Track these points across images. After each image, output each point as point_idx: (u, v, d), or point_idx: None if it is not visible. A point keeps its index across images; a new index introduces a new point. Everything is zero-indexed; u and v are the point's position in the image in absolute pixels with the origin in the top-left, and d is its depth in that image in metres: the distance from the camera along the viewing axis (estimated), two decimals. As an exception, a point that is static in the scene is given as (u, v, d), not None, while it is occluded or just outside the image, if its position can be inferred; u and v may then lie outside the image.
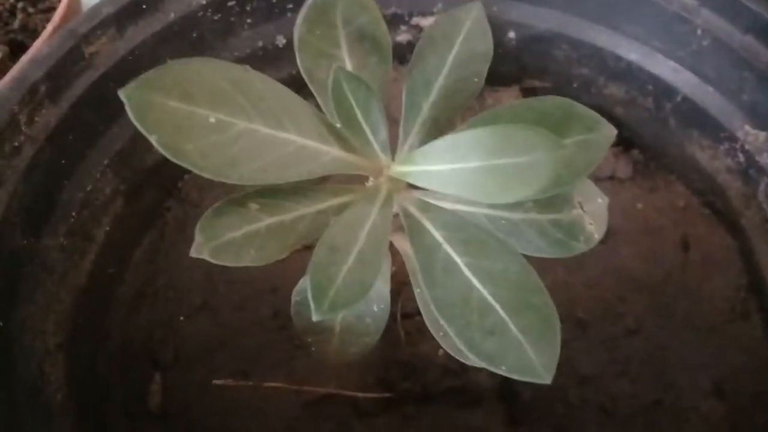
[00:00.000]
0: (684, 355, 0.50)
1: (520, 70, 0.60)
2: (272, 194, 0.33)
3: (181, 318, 0.52)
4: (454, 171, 0.31)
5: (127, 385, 0.50)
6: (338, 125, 0.33)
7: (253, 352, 0.50)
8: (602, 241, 0.53)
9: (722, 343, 0.50)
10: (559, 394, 0.49)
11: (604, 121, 0.33)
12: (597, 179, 0.56)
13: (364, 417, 0.48)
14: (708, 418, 0.47)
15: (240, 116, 0.30)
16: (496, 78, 0.60)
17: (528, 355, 0.30)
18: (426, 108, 0.35)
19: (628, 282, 0.53)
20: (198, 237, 0.31)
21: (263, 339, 0.51)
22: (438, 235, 0.33)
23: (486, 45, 0.36)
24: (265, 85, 0.31)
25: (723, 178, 0.53)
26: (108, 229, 0.52)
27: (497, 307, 0.31)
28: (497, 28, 0.58)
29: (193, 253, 0.31)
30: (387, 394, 0.48)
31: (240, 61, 0.55)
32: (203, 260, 0.31)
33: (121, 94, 0.29)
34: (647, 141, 0.58)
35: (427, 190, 0.34)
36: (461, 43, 0.35)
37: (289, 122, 0.32)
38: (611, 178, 0.56)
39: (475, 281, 0.32)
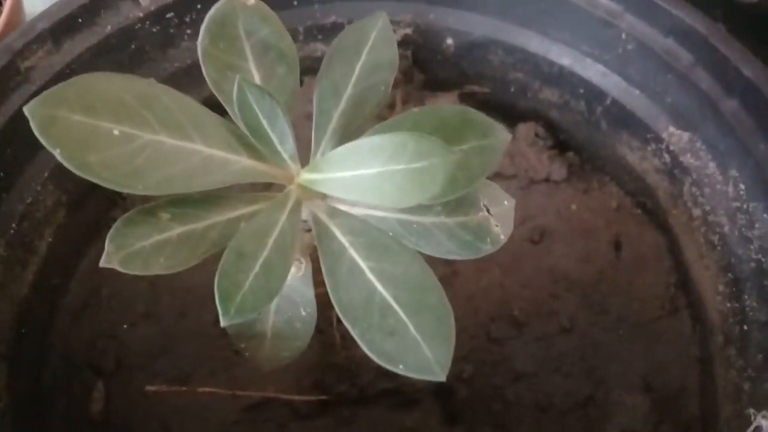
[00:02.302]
0: (615, 352, 0.51)
1: (459, 75, 0.61)
2: (184, 204, 0.34)
3: (125, 326, 0.53)
4: (356, 177, 0.32)
5: (69, 394, 0.51)
6: (248, 135, 0.34)
7: (194, 358, 0.51)
8: (537, 242, 0.56)
9: (652, 338, 0.52)
10: (495, 392, 0.50)
11: (499, 126, 0.34)
12: (532, 181, 0.58)
13: (301, 420, 0.49)
14: (635, 412, 0.48)
15: (144, 128, 0.31)
16: (436, 84, 0.62)
17: (425, 354, 0.31)
18: (336, 116, 0.36)
19: (562, 281, 0.54)
20: (108, 246, 0.32)
21: (204, 345, 0.52)
22: (344, 240, 0.34)
23: (391, 54, 0.37)
24: (170, 98, 0.32)
25: (652, 179, 0.55)
26: (51, 240, 0.53)
27: (397, 308, 0.32)
28: (435, 35, 0.60)
29: (103, 262, 0.32)
30: (323, 397, 0.49)
31: (181, 71, 0.57)
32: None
33: (26, 110, 0.29)
34: (581, 143, 0.59)
35: (337, 197, 0.35)
36: (368, 52, 0.36)
37: (196, 133, 0.33)
38: (546, 180, 0.58)
39: (377, 284, 0.33)
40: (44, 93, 0.30)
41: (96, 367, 0.51)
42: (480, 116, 0.34)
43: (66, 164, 0.30)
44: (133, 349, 0.52)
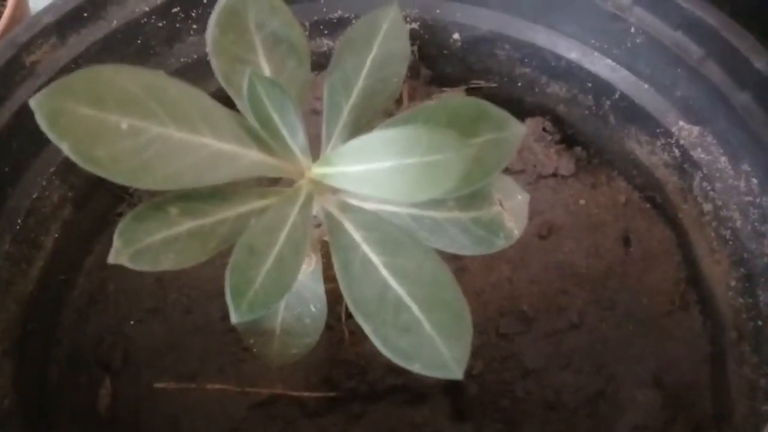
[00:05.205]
0: (625, 347, 0.51)
1: (466, 70, 0.61)
2: (193, 198, 0.33)
3: (132, 322, 0.53)
4: (369, 171, 0.31)
5: (76, 390, 0.51)
6: (258, 129, 0.34)
7: (201, 354, 0.51)
8: (545, 237, 0.55)
9: (662, 334, 0.51)
10: (504, 389, 0.50)
11: (513, 119, 0.34)
12: (540, 177, 0.57)
13: (310, 417, 0.49)
14: (647, 409, 0.48)
15: (153, 121, 0.31)
16: (443, 79, 0.61)
17: (440, 351, 0.30)
18: (347, 109, 0.36)
19: (570, 277, 0.53)
20: (116, 242, 0.31)
21: (212, 342, 0.51)
22: (356, 235, 0.34)
23: (403, 46, 0.36)
24: (179, 90, 0.32)
25: (661, 173, 0.54)
26: (57, 236, 0.52)
27: (412, 304, 0.31)
28: (442, 29, 0.59)
29: (111, 259, 0.31)
30: (332, 394, 0.49)
31: (187, 67, 0.56)
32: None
33: (31, 102, 0.29)
34: (589, 138, 0.59)
35: (349, 191, 0.35)
36: (379, 44, 0.36)
37: (205, 126, 0.32)
38: (554, 175, 0.57)
39: (391, 280, 0.32)
40: (50, 85, 0.29)
41: (103, 363, 0.51)
42: (494, 109, 0.33)
43: (73, 158, 0.30)
44: (141, 345, 0.52)
